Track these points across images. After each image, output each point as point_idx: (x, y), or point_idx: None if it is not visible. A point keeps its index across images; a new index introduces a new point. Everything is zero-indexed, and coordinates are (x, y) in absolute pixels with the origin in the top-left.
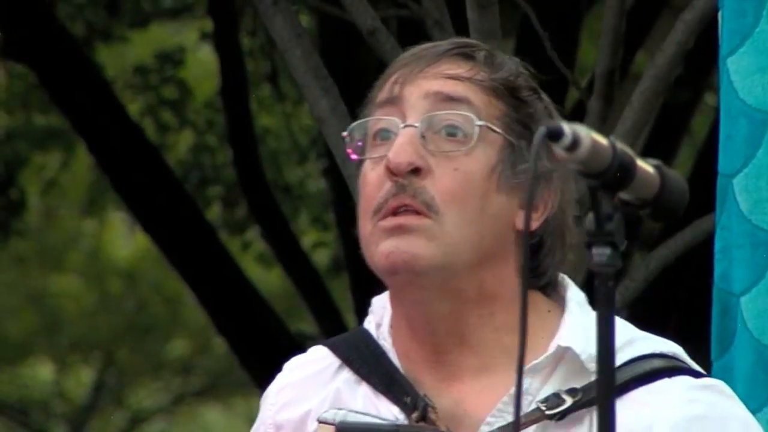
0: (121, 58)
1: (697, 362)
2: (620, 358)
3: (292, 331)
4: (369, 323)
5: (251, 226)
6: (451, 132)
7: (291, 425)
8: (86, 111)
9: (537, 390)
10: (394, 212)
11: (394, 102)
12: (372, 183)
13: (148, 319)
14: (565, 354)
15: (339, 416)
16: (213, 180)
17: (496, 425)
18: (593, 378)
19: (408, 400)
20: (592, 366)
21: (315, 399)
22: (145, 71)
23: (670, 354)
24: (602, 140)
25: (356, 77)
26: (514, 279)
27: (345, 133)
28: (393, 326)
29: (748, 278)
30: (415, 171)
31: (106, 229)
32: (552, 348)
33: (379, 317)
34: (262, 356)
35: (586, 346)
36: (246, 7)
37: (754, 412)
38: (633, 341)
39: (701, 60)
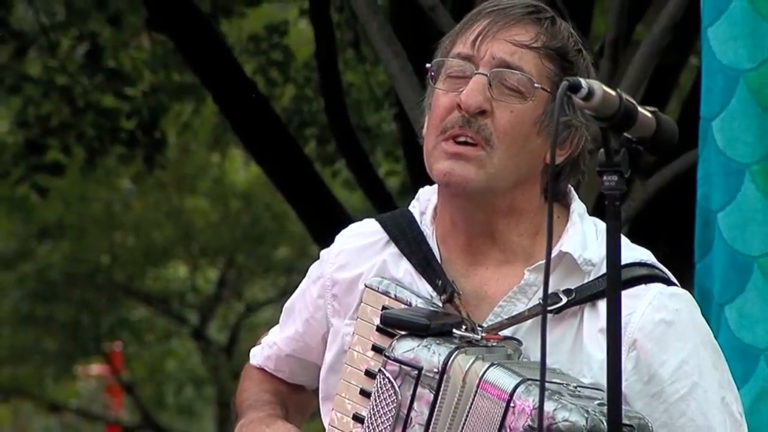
0: (239, 29)
1: (684, 265)
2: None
3: None
4: (414, 208)
5: (339, 159)
6: (513, 86)
7: (344, 283)
8: (212, 70)
9: (540, 283)
10: (455, 138)
11: (470, 58)
12: (443, 106)
13: (260, 231)
14: (564, 257)
15: (383, 285)
16: (309, 123)
17: (506, 308)
18: (585, 278)
19: (439, 283)
20: (586, 268)
21: (366, 265)
22: (257, 39)
23: (649, 262)
24: (611, 92)
25: (420, 44)
26: (537, 197)
27: (428, 65)
28: (437, 217)
29: (723, 199)
30: (481, 112)
31: (228, 162)
32: (555, 252)
33: (424, 207)
34: None
35: (582, 252)
36: None
37: (726, 302)
38: None
39: (687, 29)
